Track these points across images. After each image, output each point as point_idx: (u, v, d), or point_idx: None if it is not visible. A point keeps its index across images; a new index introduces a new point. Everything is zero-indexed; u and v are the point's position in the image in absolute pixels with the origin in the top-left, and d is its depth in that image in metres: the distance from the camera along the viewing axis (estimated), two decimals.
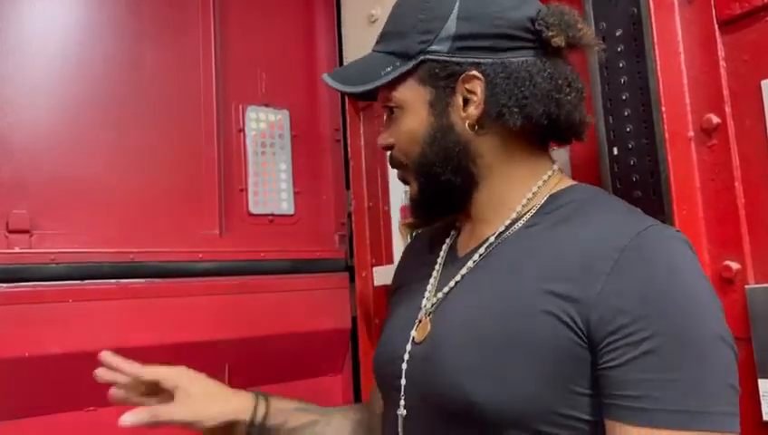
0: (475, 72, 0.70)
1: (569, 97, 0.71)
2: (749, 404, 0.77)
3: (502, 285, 0.67)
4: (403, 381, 0.71)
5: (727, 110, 0.82)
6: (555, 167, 0.76)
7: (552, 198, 0.72)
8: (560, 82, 0.70)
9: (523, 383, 0.61)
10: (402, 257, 0.96)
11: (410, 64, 0.72)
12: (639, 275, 0.59)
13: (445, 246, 0.82)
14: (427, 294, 0.77)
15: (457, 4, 0.71)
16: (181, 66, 1.49)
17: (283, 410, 0.88)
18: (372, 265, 1.55)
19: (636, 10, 0.90)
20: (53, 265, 1.27)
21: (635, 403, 0.57)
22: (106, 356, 0.83)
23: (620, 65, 0.93)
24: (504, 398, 0.61)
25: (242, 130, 1.57)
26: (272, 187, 1.60)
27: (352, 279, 1.64)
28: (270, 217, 1.59)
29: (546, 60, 0.70)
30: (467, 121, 0.71)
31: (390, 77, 0.73)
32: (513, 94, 0.69)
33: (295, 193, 1.64)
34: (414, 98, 0.73)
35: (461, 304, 0.71)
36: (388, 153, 0.79)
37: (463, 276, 0.73)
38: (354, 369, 1.66)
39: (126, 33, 1.43)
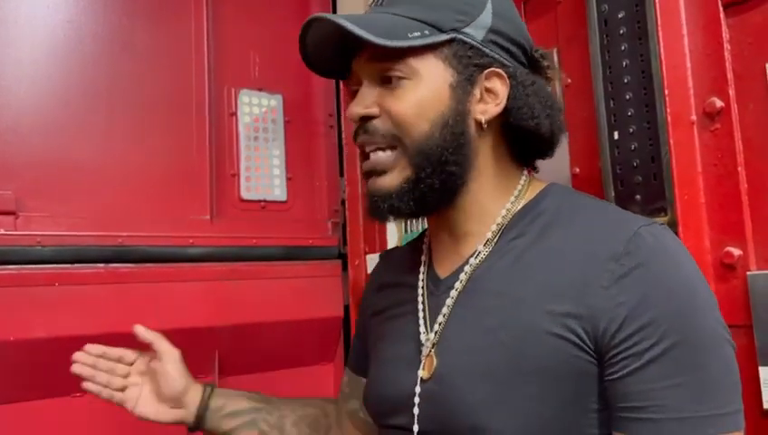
0: (501, 71, 0.69)
1: (558, 118, 0.74)
2: (750, 392, 0.75)
3: (500, 309, 0.65)
4: (416, 428, 0.67)
5: (731, 93, 0.81)
6: (525, 173, 0.76)
7: (530, 204, 0.71)
8: (549, 103, 0.72)
9: (539, 410, 0.60)
10: (370, 283, 0.91)
11: (441, 37, 0.67)
12: (639, 284, 0.58)
13: (422, 268, 0.77)
14: (421, 326, 0.72)
15: (491, 0, 0.69)
16: (173, 47, 1.46)
17: (225, 393, 0.95)
18: (366, 253, 1.53)
19: None
20: (40, 247, 1.24)
21: (642, 414, 0.56)
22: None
23: (622, 48, 0.92)
24: (522, 428, 0.60)
25: (234, 114, 1.54)
26: (264, 172, 1.58)
27: (345, 267, 1.62)
28: (262, 203, 1.57)
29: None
30: (484, 117, 0.69)
31: (419, 42, 0.66)
32: (527, 104, 0.69)
33: (288, 179, 1.61)
34: (434, 74, 0.67)
35: (462, 335, 0.67)
36: (359, 127, 0.70)
37: (454, 301, 0.70)
38: (346, 358, 1.64)
39: (117, 12, 1.40)
